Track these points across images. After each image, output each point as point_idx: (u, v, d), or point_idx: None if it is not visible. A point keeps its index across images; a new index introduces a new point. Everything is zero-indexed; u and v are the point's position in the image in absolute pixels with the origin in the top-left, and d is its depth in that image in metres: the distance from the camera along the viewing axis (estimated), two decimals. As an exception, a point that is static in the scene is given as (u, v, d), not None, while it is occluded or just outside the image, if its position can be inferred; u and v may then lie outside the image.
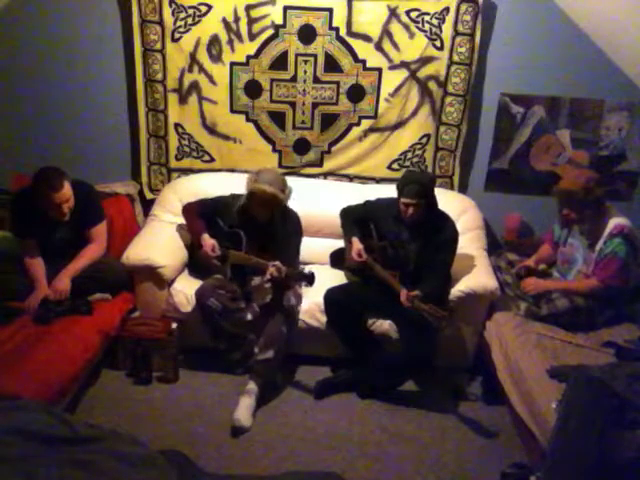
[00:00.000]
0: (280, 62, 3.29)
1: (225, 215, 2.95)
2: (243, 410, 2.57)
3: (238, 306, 2.84)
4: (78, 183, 2.85)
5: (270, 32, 3.23)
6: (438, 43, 3.21)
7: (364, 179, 3.54)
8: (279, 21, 3.20)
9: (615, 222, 2.72)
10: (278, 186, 2.74)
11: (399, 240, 2.79)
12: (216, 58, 3.29)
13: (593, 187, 2.71)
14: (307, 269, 2.73)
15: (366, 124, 3.41)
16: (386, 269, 2.73)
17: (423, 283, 2.64)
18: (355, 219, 2.96)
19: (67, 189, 2.70)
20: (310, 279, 2.61)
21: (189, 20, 3.20)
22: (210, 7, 3.17)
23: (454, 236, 2.77)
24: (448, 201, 3.25)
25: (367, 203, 3.00)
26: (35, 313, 2.63)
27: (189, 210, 3.02)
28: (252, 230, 2.87)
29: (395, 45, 3.23)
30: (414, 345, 2.66)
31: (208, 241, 2.85)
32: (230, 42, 3.25)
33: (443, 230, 2.74)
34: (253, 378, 2.69)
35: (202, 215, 2.97)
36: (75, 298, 2.75)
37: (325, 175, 3.56)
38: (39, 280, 2.76)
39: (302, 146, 3.49)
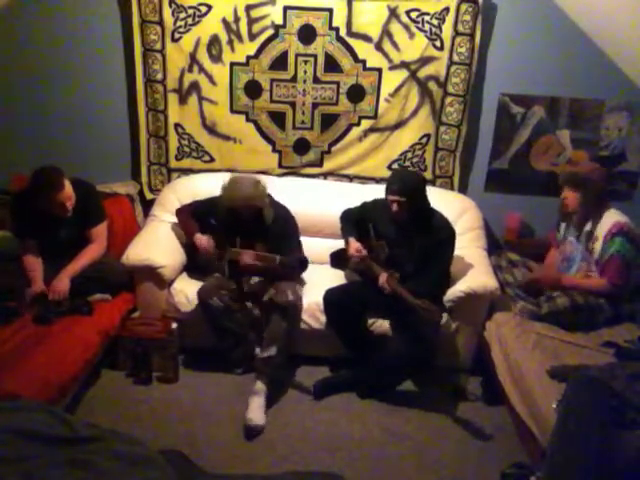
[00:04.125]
0: (280, 62, 3.29)
1: (217, 215, 2.97)
2: (255, 409, 2.56)
3: (239, 305, 2.85)
4: (79, 182, 2.86)
5: (270, 32, 3.23)
6: (438, 43, 3.21)
7: (364, 179, 3.54)
8: (279, 21, 3.20)
9: (614, 220, 2.73)
10: (248, 191, 2.77)
11: (396, 240, 2.80)
12: (216, 58, 3.29)
13: (597, 176, 2.75)
14: None
15: (366, 124, 3.41)
16: (385, 269, 2.74)
17: (415, 279, 2.66)
18: (353, 221, 2.98)
19: (68, 186, 2.72)
20: (302, 264, 2.69)
21: (189, 20, 3.20)
22: (210, 7, 3.17)
23: (450, 236, 2.77)
24: (448, 201, 3.27)
25: (364, 204, 3.02)
26: (35, 313, 2.63)
27: (182, 212, 3.06)
28: (244, 229, 2.88)
29: (395, 45, 3.23)
30: (413, 345, 2.66)
31: (202, 238, 2.89)
32: (230, 42, 3.25)
33: (439, 230, 2.75)
34: (259, 377, 2.68)
35: (195, 216, 3.00)
36: (75, 298, 2.75)
37: (325, 175, 3.56)
38: (35, 278, 2.76)
39: (302, 146, 3.49)
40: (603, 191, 2.79)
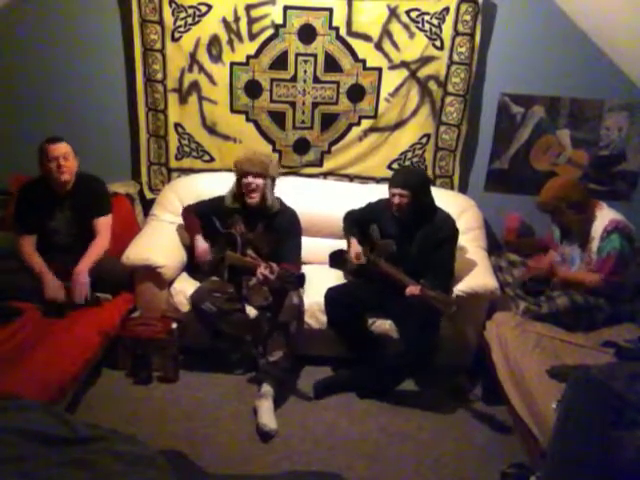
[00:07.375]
0: (280, 62, 3.29)
1: (222, 215, 2.97)
2: (265, 414, 2.55)
3: (235, 307, 2.84)
4: (88, 174, 2.93)
5: (270, 32, 3.23)
6: (438, 43, 3.21)
7: (364, 179, 3.54)
8: (279, 21, 3.20)
9: (610, 218, 2.73)
10: (262, 158, 2.90)
11: (399, 237, 2.80)
12: (216, 58, 3.29)
13: (564, 196, 2.75)
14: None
15: (366, 124, 3.41)
16: (393, 266, 2.75)
17: (429, 281, 2.64)
18: (356, 221, 2.98)
19: (64, 146, 2.78)
20: (300, 280, 2.60)
21: (189, 20, 3.20)
22: (210, 7, 3.17)
23: (454, 233, 2.78)
24: (448, 201, 3.25)
25: (368, 205, 3.03)
26: (49, 307, 2.67)
27: (188, 210, 3.06)
28: (249, 229, 2.89)
29: (395, 45, 3.23)
30: (414, 343, 2.66)
31: (200, 246, 2.90)
32: (230, 42, 3.25)
33: (440, 228, 2.75)
34: (266, 380, 2.68)
35: (199, 215, 3.01)
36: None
37: (325, 175, 3.56)
38: (45, 272, 2.76)
39: (302, 146, 3.49)
40: (583, 195, 2.80)
